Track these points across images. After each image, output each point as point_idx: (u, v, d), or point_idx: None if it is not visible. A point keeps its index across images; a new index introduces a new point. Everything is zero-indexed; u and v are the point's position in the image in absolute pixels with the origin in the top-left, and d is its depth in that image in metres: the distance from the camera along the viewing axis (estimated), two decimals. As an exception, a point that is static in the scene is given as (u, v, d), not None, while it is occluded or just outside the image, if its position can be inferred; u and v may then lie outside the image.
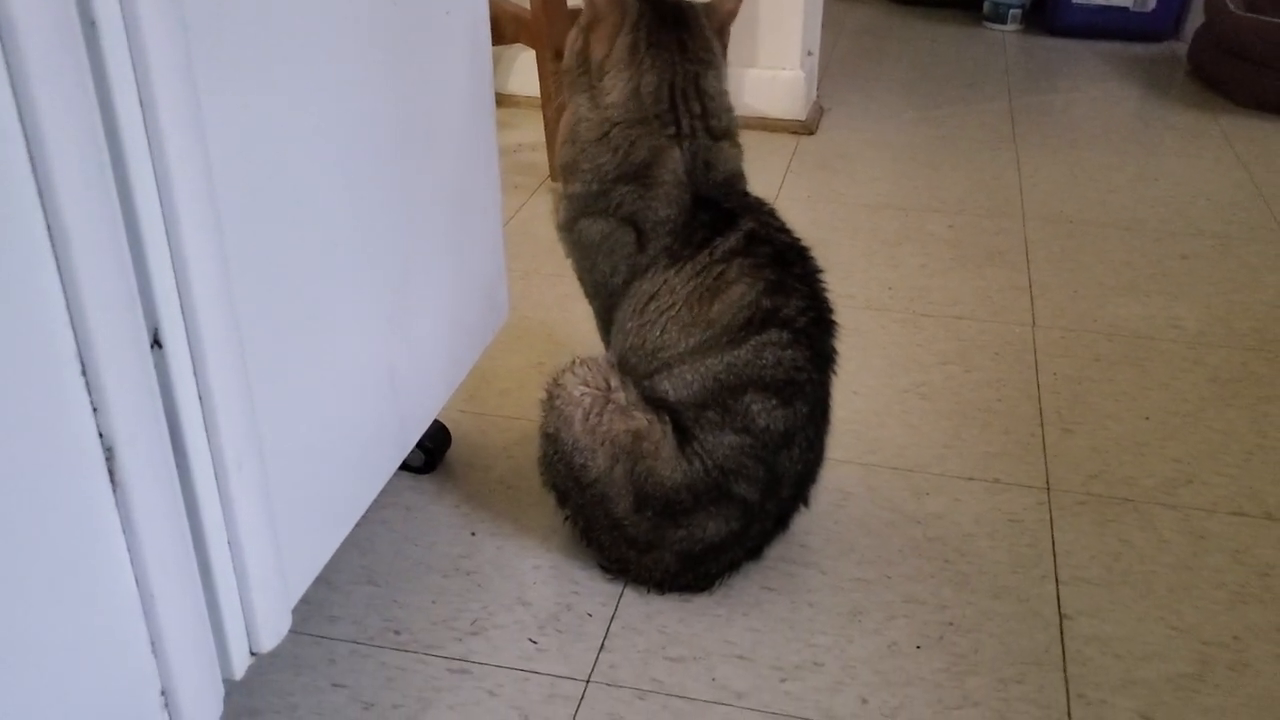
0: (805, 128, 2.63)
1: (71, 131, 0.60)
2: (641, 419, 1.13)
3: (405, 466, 1.39)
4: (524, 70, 2.75)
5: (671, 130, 1.16)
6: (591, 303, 1.27)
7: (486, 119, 1.25)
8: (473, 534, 1.30)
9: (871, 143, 2.60)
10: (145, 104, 0.66)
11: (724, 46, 1.22)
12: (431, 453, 1.39)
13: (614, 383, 1.16)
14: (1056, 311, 1.82)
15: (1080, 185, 2.37)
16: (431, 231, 1.13)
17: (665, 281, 1.15)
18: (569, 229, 1.22)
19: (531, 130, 2.58)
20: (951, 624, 1.17)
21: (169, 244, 0.70)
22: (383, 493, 1.35)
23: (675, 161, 1.16)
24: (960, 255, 2.02)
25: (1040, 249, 2.06)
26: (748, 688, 1.09)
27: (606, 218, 1.19)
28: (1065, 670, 1.12)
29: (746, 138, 1.24)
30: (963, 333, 1.75)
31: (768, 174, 2.38)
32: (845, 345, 1.18)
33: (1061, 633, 1.16)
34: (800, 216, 1.20)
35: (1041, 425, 1.51)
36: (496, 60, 2.75)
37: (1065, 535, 1.30)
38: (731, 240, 1.14)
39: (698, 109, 1.17)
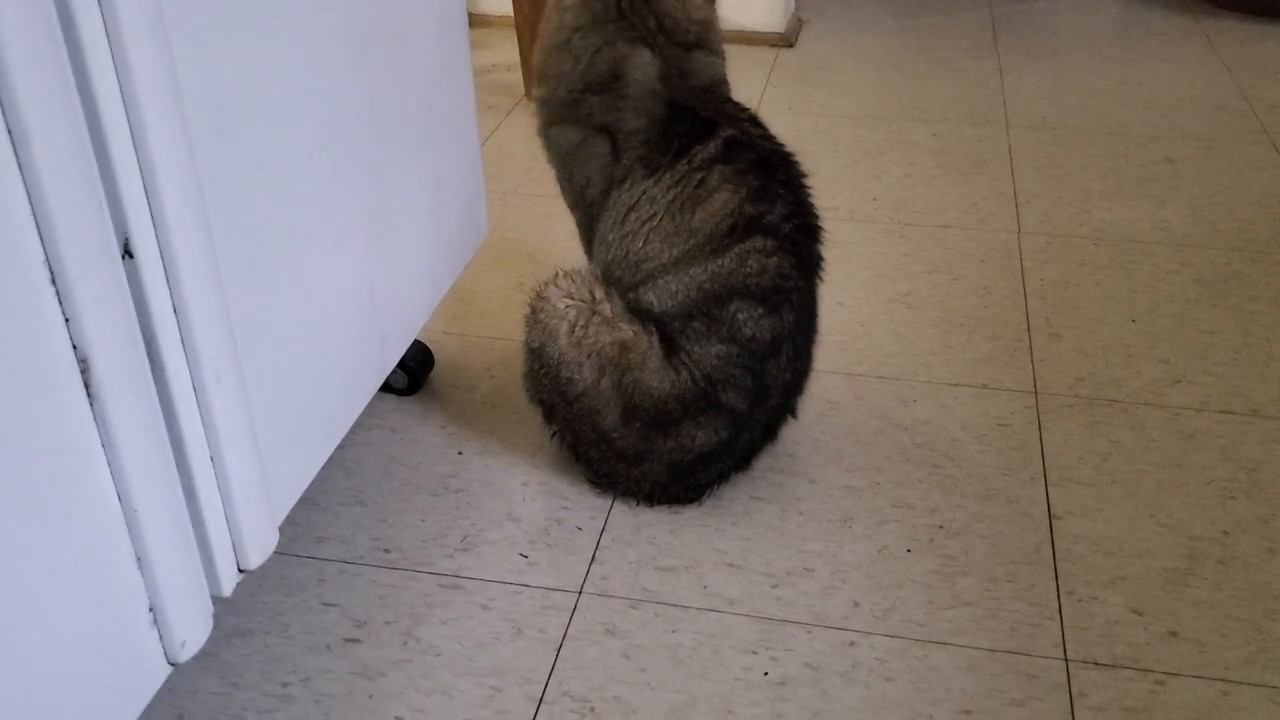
0: (784, 40, 2.59)
1: (26, 21, 0.58)
2: (628, 330, 1.12)
3: (389, 388, 1.38)
4: (496, -12, 2.69)
5: (633, 34, 1.12)
6: (573, 213, 1.25)
7: (458, 31, 1.21)
8: (460, 453, 1.29)
9: (852, 54, 2.56)
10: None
11: None
12: (415, 374, 1.38)
13: (599, 294, 1.14)
14: (1041, 217, 1.81)
15: (1063, 91, 2.34)
16: (405, 144, 1.11)
17: (644, 192, 1.13)
18: (543, 135, 1.20)
19: (505, 50, 2.53)
20: (941, 527, 1.18)
21: (135, 150, 0.68)
22: (368, 414, 1.34)
23: (644, 70, 1.13)
24: (944, 164, 2.00)
25: (1024, 156, 2.03)
26: (739, 594, 1.09)
27: (578, 126, 1.16)
28: (1055, 568, 1.12)
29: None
30: (948, 241, 1.74)
31: (747, 87, 2.34)
32: (830, 256, 1.17)
33: (1051, 532, 1.17)
34: (781, 129, 1.18)
35: (1028, 330, 1.51)
36: (468, -21, 2.68)
37: (1054, 437, 1.30)
38: (710, 148, 1.12)
39: (652, 23, 1.13)
